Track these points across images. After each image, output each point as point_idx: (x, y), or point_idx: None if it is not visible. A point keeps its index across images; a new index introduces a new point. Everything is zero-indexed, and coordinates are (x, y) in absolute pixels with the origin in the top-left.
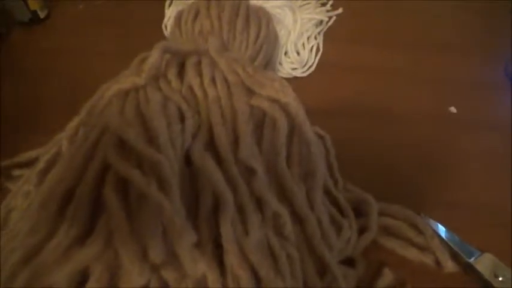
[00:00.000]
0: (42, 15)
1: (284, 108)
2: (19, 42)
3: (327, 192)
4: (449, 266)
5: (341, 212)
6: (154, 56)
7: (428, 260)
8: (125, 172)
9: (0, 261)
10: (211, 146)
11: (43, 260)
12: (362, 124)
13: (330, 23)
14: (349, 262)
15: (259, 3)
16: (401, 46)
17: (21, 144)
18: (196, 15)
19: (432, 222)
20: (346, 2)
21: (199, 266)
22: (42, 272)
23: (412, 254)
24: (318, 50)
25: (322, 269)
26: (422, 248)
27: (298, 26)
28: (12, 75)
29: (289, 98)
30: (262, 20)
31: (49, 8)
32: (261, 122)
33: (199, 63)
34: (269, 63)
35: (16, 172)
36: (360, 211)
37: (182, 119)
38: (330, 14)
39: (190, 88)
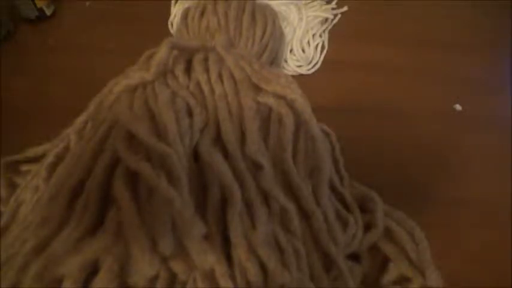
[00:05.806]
0: (48, 12)
1: (290, 105)
2: (26, 40)
3: (333, 189)
4: (433, 279)
5: (347, 208)
6: (162, 52)
7: (415, 277)
8: (135, 165)
9: (12, 252)
10: (219, 141)
11: (54, 251)
12: (367, 122)
13: (335, 21)
14: (354, 257)
15: (266, 0)
16: (406, 44)
17: (29, 140)
18: (203, 12)
19: None
20: (351, 0)
21: (208, 258)
22: (54, 263)
23: (402, 266)
24: (323, 47)
25: (328, 264)
26: (413, 264)
27: (304, 24)
28: (19, 72)
29: (296, 94)
30: (268, 17)
31: (55, 6)
32: (267, 118)
33: (206, 59)
34: (275, 61)
35: (24, 167)
36: (364, 208)
37: (190, 114)
38: (336, 11)
39: (198, 84)
